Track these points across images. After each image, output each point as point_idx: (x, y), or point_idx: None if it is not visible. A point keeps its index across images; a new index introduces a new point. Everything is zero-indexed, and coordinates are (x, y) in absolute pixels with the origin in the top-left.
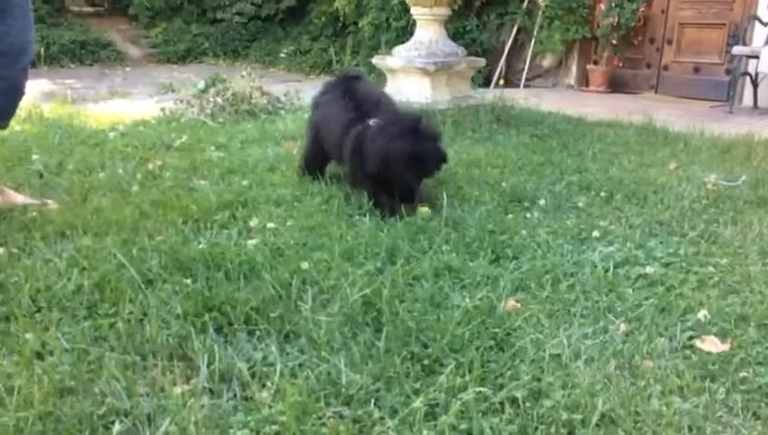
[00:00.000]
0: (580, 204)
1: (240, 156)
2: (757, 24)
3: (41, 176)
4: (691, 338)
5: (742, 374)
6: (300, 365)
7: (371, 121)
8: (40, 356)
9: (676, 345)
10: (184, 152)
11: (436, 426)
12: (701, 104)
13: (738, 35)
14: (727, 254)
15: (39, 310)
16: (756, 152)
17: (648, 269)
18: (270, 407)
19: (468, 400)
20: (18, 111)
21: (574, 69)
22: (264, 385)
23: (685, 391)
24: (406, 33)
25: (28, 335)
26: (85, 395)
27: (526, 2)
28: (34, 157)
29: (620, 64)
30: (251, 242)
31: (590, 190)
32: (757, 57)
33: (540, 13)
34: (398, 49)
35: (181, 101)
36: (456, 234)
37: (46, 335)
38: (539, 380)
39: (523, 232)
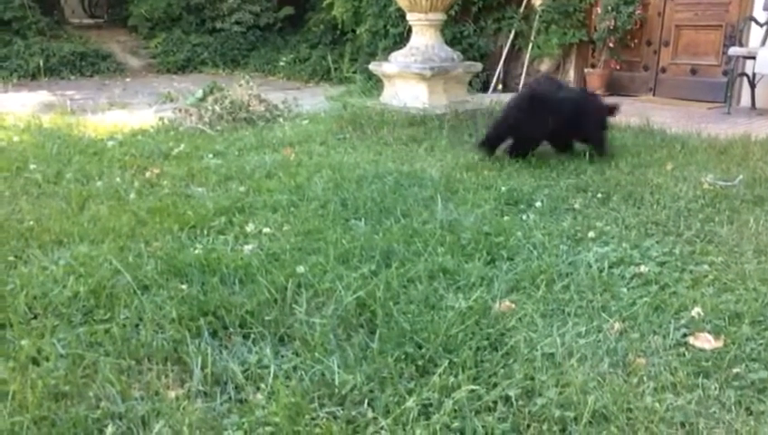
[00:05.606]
0: (577, 205)
1: (237, 163)
2: (753, 24)
3: (39, 185)
4: (685, 335)
5: (735, 370)
6: (294, 367)
7: None
8: (35, 362)
9: (669, 343)
10: (182, 160)
11: (429, 425)
12: (699, 106)
13: (735, 37)
14: (723, 252)
15: (35, 317)
16: (753, 152)
17: (643, 268)
18: (264, 408)
19: (461, 399)
20: (17, 122)
21: (572, 72)
22: (258, 387)
23: (678, 387)
24: (403, 39)
25: (24, 342)
26: (80, 399)
27: (523, 7)
28: (32, 166)
29: (618, 67)
30: (247, 247)
31: (586, 192)
32: (754, 58)
33: (536, 17)
34: (395, 55)
35: (180, 111)
36: (451, 236)
37: (42, 341)
38: (532, 378)
39: (519, 234)
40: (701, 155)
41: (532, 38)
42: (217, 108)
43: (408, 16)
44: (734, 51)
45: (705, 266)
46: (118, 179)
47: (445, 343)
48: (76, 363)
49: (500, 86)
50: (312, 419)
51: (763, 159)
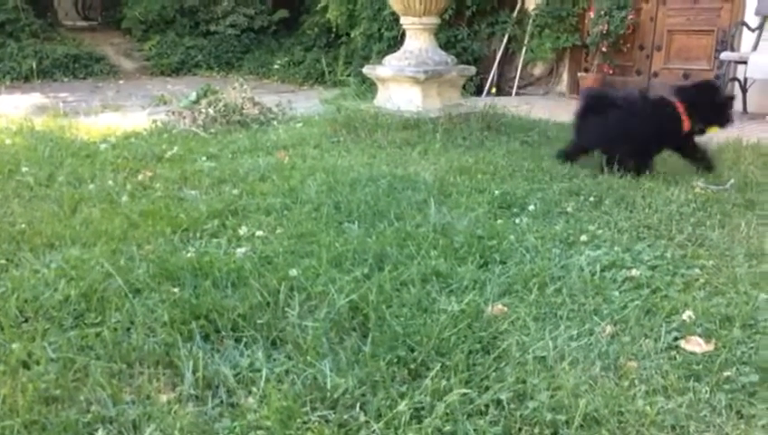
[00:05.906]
0: (569, 209)
1: (231, 166)
2: (745, 29)
3: (30, 188)
4: (676, 339)
5: (726, 374)
6: (286, 371)
7: None
8: (26, 365)
9: (660, 346)
10: (175, 163)
11: (421, 429)
12: None
13: (726, 41)
14: (714, 256)
15: (26, 320)
16: (744, 156)
17: (635, 272)
18: (255, 412)
19: (453, 402)
20: (9, 125)
21: (565, 76)
22: (249, 391)
23: (669, 390)
24: (397, 43)
25: (14, 345)
26: (71, 403)
27: (516, 11)
28: (24, 169)
29: (611, 72)
30: (240, 250)
31: (579, 195)
32: (745, 63)
33: (530, 21)
34: (389, 58)
35: (173, 113)
36: (444, 239)
37: (33, 345)
38: (524, 382)
39: (512, 237)
40: None
41: (526, 42)
42: (211, 111)
43: (402, 20)
44: (725, 55)
45: (697, 270)
46: (110, 182)
47: (437, 347)
48: (67, 367)
49: (494, 90)
50: (304, 422)
51: (754, 164)
